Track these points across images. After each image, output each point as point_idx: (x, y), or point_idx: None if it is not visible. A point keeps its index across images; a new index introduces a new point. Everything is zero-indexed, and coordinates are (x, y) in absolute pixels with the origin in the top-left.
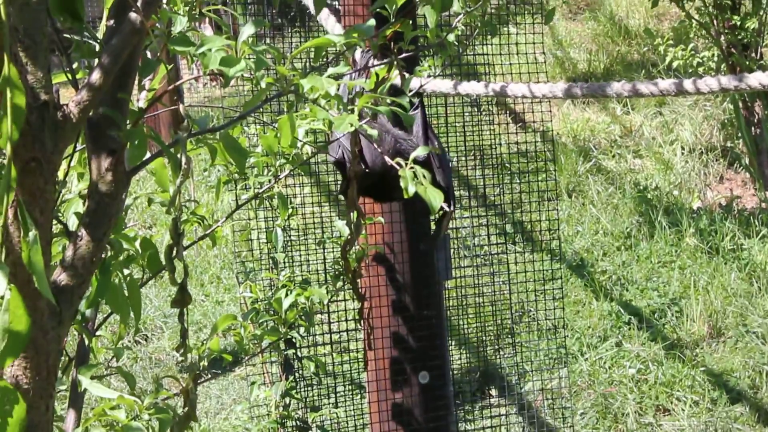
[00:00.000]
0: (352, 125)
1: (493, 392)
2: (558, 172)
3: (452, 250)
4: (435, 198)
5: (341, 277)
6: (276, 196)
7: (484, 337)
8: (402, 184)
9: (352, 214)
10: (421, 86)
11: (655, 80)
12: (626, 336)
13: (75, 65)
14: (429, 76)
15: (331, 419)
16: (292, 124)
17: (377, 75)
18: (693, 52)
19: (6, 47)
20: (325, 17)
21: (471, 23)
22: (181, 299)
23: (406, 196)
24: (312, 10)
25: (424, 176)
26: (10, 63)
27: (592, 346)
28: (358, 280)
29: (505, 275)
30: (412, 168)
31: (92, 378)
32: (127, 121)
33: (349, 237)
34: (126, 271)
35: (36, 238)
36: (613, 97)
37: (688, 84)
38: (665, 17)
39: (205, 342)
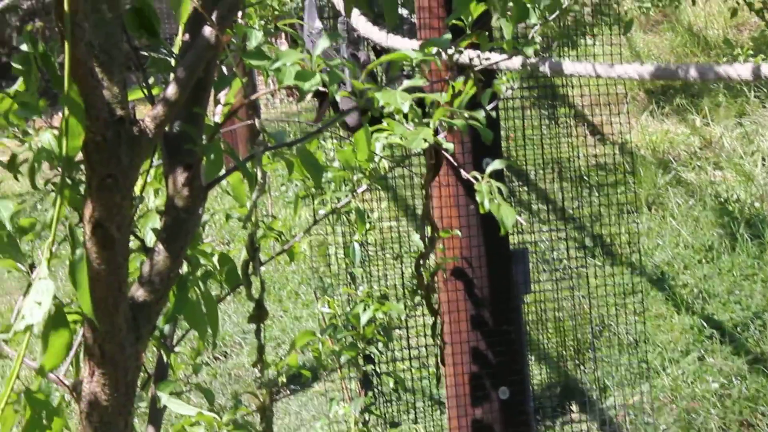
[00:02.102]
0: (426, 140)
1: (574, 408)
2: (637, 184)
3: (531, 264)
4: (508, 216)
5: (418, 291)
6: (353, 211)
7: (564, 352)
8: (478, 198)
9: (426, 227)
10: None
11: (730, 64)
12: (709, 350)
13: (151, 81)
14: (507, 89)
15: None
16: (368, 138)
17: (453, 87)
18: None
19: (66, 62)
20: (362, 22)
21: (548, 35)
22: (258, 315)
23: (482, 211)
24: (357, 28)
25: (500, 189)
26: (71, 81)
27: (673, 361)
28: (433, 295)
29: (584, 289)
30: (488, 182)
31: (171, 394)
32: (203, 136)
33: (423, 251)
34: (203, 287)
35: (82, 256)
36: (683, 80)
37: (765, 69)
38: (745, 27)
39: (283, 358)
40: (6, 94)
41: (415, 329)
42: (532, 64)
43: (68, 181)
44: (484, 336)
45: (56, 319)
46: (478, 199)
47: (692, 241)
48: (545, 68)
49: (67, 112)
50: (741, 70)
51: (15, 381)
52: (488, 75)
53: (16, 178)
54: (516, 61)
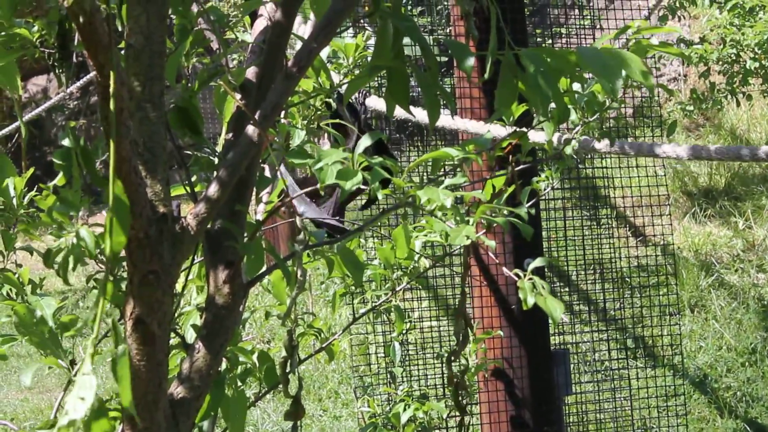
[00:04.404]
0: (468, 237)
1: None
2: (679, 286)
3: (572, 365)
4: (555, 309)
5: (459, 391)
6: (393, 309)
7: None
8: (521, 295)
9: (459, 322)
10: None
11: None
12: None
13: (194, 179)
14: (546, 187)
15: None
16: (407, 234)
17: (494, 186)
18: None
19: (112, 159)
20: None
21: (589, 135)
22: (295, 412)
23: (525, 308)
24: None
25: (543, 286)
26: (116, 180)
27: None
28: (473, 393)
29: (626, 391)
30: (531, 279)
31: None
32: (245, 234)
33: (455, 348)
34: (240, 384)
35: (125, 351)
36: (711, 159)
37: None
38: None
39: None
40: (46, 189)
41: (455, 429)
42: (562, 146)
43: (110, 277)
44: None
45: (98, 413)
46: (520, 296)
47: (735, 343)
48: (571, 145)
49: (111, 207)
50: None
51: None
52: (527, 173)
53: (59, 275)
54: (541, 135)
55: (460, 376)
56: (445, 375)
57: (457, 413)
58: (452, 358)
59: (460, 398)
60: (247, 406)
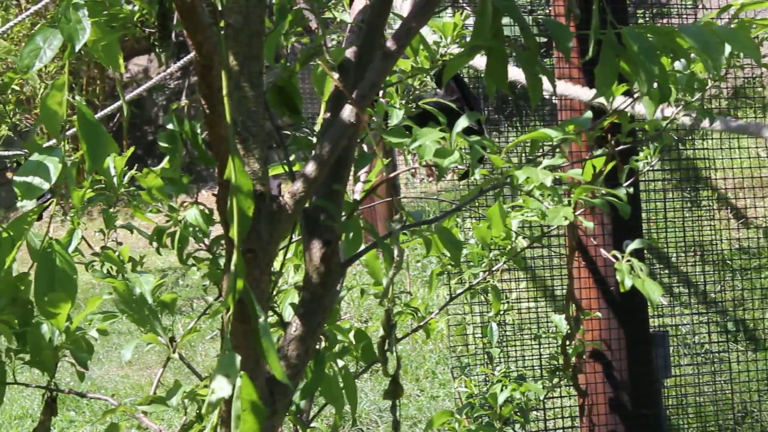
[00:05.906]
0: (566, 218)
1: None
2: None
3: (672, 348)
4: (653, 291)
5: (557, 372)
6: (490, 289)
7: None
8: (618, 277)
9: (571, 307)
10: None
11: None
12: None
13: (292, 158)
14: (644, 167)
15: None
16: (502, 212)
17: (593, 166)
18: None
19: (232, 151)
20: None
21: (690, 115)
22: (393, 391)
23: (622, 290)
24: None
25: (641, 268)
26: (237, 170)
27: None
28: (578, 376)
29: (726, 374)
30: (629, 261)
31: None
32: (343, 213)
33: (568, 331)
34: (341, 363)
35: (266, 325)
36: None
37: None
38: None
39: None
40: (153, 172)
41: (552, 411)
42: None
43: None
44: (622, 419)
45: (245, 391)
46: (618, 277)
47: None
48: (681, 121)
49: (234, 190)
50: None
51: None
52: (627, 153)
53: (159, 252)
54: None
55: (577, 359)
56: (542, 357)
57: (555, 395)
58: (567, 342)
59: (577, 381)
60: None
